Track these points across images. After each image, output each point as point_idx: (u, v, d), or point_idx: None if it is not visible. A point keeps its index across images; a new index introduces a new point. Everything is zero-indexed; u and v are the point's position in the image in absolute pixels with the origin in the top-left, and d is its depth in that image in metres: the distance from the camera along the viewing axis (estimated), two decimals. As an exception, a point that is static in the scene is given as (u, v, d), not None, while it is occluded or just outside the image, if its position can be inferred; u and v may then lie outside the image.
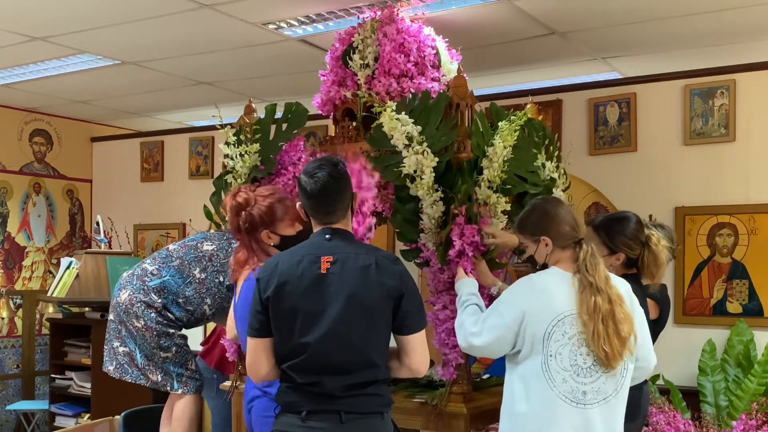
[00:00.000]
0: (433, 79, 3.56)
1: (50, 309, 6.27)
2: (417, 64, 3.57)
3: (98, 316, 5.66)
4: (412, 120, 3.21)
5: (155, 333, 3.64)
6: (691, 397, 4.45)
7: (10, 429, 6.55)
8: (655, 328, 3.41)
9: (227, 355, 3.65)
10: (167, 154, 6.87)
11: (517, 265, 3.95)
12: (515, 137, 3.22)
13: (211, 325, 4.59)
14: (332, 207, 2.56)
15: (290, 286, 2.47)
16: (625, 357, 2.59)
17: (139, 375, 3.72)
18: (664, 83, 4.83)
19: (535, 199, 2.93)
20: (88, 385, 5.72)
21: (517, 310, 2.60)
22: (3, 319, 6.55)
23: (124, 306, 3.69)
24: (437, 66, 3.63)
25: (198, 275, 3.69)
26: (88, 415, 5.67)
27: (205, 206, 3.92)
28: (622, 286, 2.69)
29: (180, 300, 3.69)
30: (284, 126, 3.68)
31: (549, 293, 2.61)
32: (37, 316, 6.77)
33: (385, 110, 3.21)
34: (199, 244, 3.76)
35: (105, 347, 3.82)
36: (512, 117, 3.24)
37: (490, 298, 3.06)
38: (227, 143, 3.65)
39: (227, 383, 3.69)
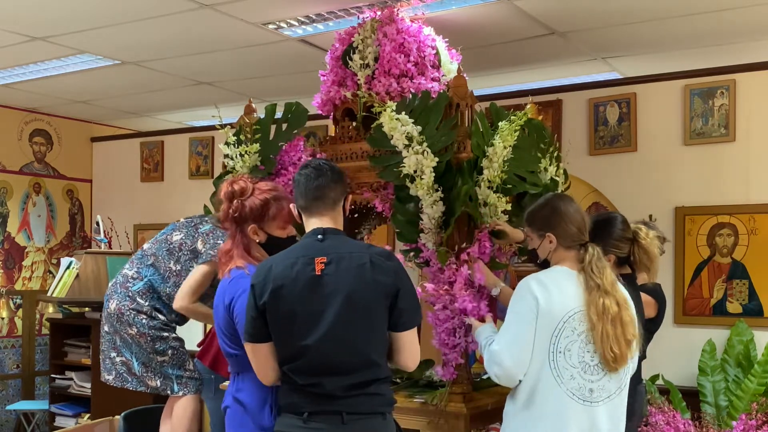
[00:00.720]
0: (433, 79, 3.56)
1: (50, 309, 6.27)
2: (417, 64, 3.57)
3: (98, 316, 5.59)
4: (412, 120, 3.20)
5: (149, 338, 3.64)
6: (691, 397, 4.45)
7: (10, 429, 6.55)
8: (652, 326, 3.42)
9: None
10: (167, 154, 6.87)
11: (517, 265, 3.95)
12: (515, 137, 3.22)
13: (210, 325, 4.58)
14: (321, 192, 2.56)
15: (286, 290, 2.46)
16: (628, 359, 2.62)
17: (139, 383, 3.72)
18: (664, 83, 4.83)
19: (549, 193, 2.92)
20: (88, 385, 5.72)
21: (531, 300, 2.58)
22: (3, 319, 6.56)
23: (115, 315, 3.69)
24: (437, 66, 3.63)
25: (174, 267, 3.67)
26: (88, 415, 5.66)
27: (205, 206, 3.92)
28: (624, 291, 2.70)
29: (164, 298, 3.69)
30: (284, 126, 3.68)
31: (560, 289, 2.60)
32: (37, 316, 6.77)
33: (385, 110, 3.20)
34: (168, 237, 3.75)
35: (101, 357, 3.82)
36: (512, 117, 3.24)
37: (490, 298, 3.06)
38: (227, 143, 3.64)
39: (227, 383, 3.68)
